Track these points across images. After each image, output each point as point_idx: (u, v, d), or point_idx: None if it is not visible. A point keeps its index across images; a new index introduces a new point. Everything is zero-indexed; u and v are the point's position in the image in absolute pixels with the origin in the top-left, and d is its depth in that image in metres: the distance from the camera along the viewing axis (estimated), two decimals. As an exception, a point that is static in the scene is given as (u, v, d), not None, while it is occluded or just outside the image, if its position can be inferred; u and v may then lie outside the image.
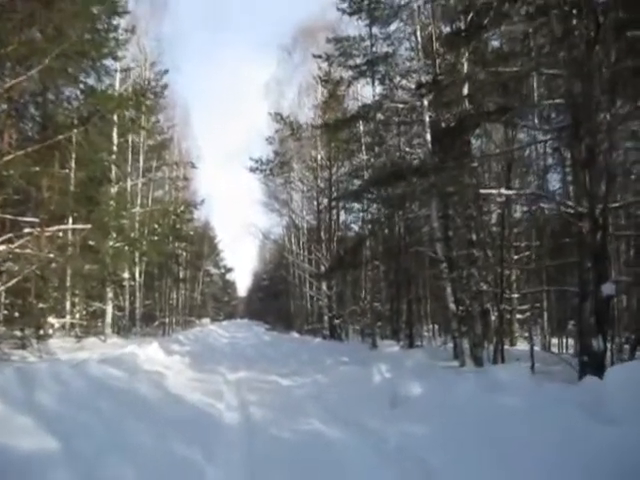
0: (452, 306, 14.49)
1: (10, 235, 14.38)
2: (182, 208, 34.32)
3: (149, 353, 13.23)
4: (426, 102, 15.03)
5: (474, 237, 14.26)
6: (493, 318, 18.45)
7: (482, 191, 11.96)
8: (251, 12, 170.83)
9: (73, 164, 17.90)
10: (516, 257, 19.72)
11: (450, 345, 22.25)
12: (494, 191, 11.43)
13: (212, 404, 8.80)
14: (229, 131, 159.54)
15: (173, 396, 8.65)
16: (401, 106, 18.82)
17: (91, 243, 16.67)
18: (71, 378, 6.67)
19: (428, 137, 14.68)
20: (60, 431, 4.71)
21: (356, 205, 31.44)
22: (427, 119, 14.92)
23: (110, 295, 23.49)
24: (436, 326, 28.61)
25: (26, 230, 14.39)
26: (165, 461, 5.19)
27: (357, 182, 26.14)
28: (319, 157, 31.50)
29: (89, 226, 15.35)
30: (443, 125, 14.27)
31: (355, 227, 33.74)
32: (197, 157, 40.16)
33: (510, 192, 11.63)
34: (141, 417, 6.30)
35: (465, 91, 14.00)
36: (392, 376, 10.15)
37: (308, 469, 5.38)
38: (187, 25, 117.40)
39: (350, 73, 21.16)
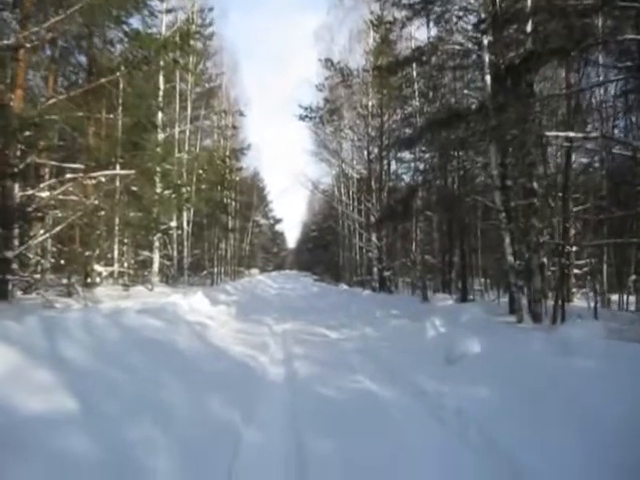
0: (510, 259, 13.67)
1: (53, 181, 14.10)
2: (227, 153, 33.82)
3: (193, 303, 12.86)
4: (486, 41, 13.98)
5: (535, 186, 13.37)
6: (549, 273, 17.65)
7: (548, 133, 11.10)
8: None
9: (120, 110, 17.53)
10: (577, 208, 18.72)
11: (504, 300, 21.56)
12: (561, 133, 10.57)
13: (255, 357, 8.34)
14: (278, 80, 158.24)
15: (215, 349, 8.18)
16: (458, 48, 17.72)
17: (136, 190, 16.26)
18: (104, 329, 6.22)
19: (488, 79, 13.66)
20: (83, 389, 4.23)
21: (407, 155, 30.70)
22: (487, 60, 13.89)
23: (157, 244, 23.30)
24: (487, 280, 27.76)
25: (68, 176, 14.05)
26: (199, 423, 4.70)
27: (409, 131, 25.18)
28: (370, 104, 30.54)
29: (133, 172, 14.94)
30: (505, 65, 13.22)
31: (406, 177, 33.11)
32: (245, 105, 39.70)
33: (579, 134, 10.71)
34: (178, 373, 5.81)
35: (528, 28, 13.00)
36: (447, 331, 9.55)
37: (359, 436, 4.83)
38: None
39: (404, 13, 20.00)
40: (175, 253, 27.50)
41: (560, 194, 13.56)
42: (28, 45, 13.80)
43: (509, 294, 16.89)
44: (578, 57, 11.36)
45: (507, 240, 13.68)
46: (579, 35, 11.16)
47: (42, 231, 14.91)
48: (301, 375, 7.41)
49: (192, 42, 17.06)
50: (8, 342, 4.37)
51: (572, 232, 17.95)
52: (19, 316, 5.62)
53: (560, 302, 13.21)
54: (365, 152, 32.71)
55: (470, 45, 17.99)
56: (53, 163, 15.39)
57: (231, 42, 55.65)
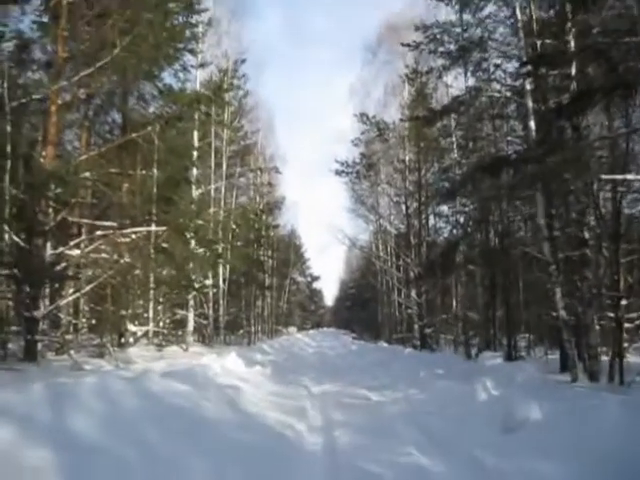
0: (562, 313, 12.78)
1: (83, 238, 13.76)
2: (261, 207, 33.55)
3: (226, 364, 12.20)
4: (528, 86, 13.43)
5: (587, 235, 12.58)
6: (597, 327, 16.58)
7: (604, 176, 10.32)
8: (334, 20, 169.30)
9: (155, 167, 17.32)
10: (626, 259, 17.74)
11: (552, 357, 20.43)
12: (618, 176, 9.79)
13: (292, 425, 7.58)
14: (314, 137, 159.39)
15: (246, 416, 7.45)
16: (497, 95, 17.21)
17: (167, 247, 15.85)
18: (121, 396, 5.60)
19: (532, 125, 13.06)
20: (84, 472, 3.58)
21: (446, 209, 30.09)
22: (530, 105, 13.32)
23: (192, 302, 22.79)
24: (530, 336, 26.52)
25: (99, 233, 13.69)
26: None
27: (447, 184, 24.61)
28: (407, 158, 30.20)
29: (165, 228, 14.56)
30: (551, 108, 12.61)
31: (445, 232, 32.44)
32: (281, 163, 39.69)
33: (638, 177, 9.96)
34: (201, 449, 5.13)
35: (573, 71, 12.44)
36: (500, 394, 8.71)
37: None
38: (268, 36, 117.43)
39: (440, 62, 19.70)
40: (211, 312, 26.95)
41: (608, 244, 12.65)
42: (60, 102, 13.68)
43: (560, 351, 15.89)
44: (625, 99, 10.66)
45: (558, 294, 12.82)
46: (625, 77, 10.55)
47: (71, 290, 14.52)
48: (342, 446, 6.64)
49: (226, 96, 16.82)
50: (3, 415, 3.76)
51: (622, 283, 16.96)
52: (35, 380, 5.05)
53: (619, 359, 12.24)
54: (403, 207, 32.31)
55: (509, 94, 17.46)
56: (85, 221, 15.11)
57: (266, 99, 55.94)
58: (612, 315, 13.76)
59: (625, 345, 21.01)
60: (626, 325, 20.81)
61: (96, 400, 5.07)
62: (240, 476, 4.81)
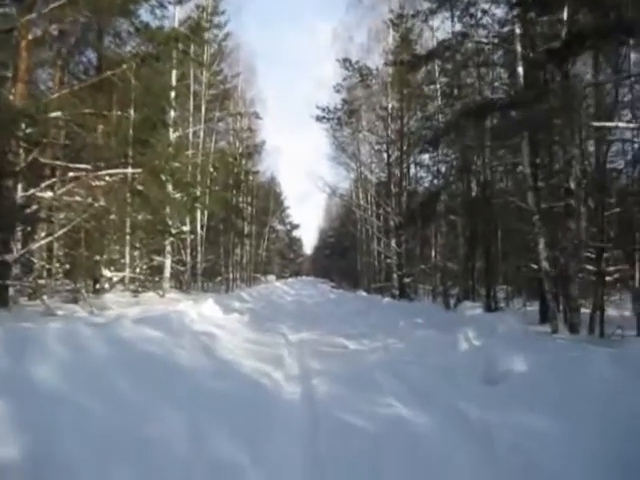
0: (545, 264, 12.64)
1: (54, 180, 13.27)
2: (241, 151, 32.93)
3: (203, 311, 11.91)
4: (518, 30, 12.99)
5: (572, 185, 12.35)
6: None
7: (595, 124, 10.04)
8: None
9: (132, 108, 16.72)
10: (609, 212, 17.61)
11: (530, 308, 20.47)
12: (609, 123, 9.50)
13: (268, 373, 7.34)
14: (295, 84, 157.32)
15: (222, 364, 7.18)
16: (485, 41, 16.76)
17: (143, 190, 15.34)
18: (90, 342, 5.30)
19: (520, 71, 12.67)
20: (40, 424, 3.31)
21: (427, 159, 29.88)
22: (519, 50, 12.90)
23: (169, 249, 22.43)
24: (509, 287, 26.52)
25: (71, 174, 13.22)
26: (192, 468, 3.75)
27: (430, 132, 24.21)
28: (389, 106, 29.68)
29: (139, 170, 14.07)
30: (541, 52, 12.21)
31: (426, 182, 32.25)
32: (262, 108, 38.92)
33: (630, 125, 9.67)
34: (173, 398, 4.86)
35: (564, 16, 12.00)
36: (482, 344, 8.55)
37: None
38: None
39: (427, 5, 19.10)
40: (189, 258, 26.65)
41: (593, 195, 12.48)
42: (30, 37, 13.06)
43: (540, 302, 15.86)
44: (618, 45, 10.33)
45: (541, 244, 12.66)
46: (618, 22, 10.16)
47: (44, 234, 14.09)
48: (320, 395, 6.43)
49: (205, 35, 16.15)
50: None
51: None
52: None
53: (600, 311, 12.19)
54: (385, 155, 31.97)
55: (496, 40, 17.03)
56: (58, 162, 14.59)
57: (247, 42, 54.43)
58: (593, 268, 13.70)
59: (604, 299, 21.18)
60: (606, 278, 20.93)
61: (61, 347, 4.76)
62: (214, 426, 4.56)
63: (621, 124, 9.46)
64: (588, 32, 9.57)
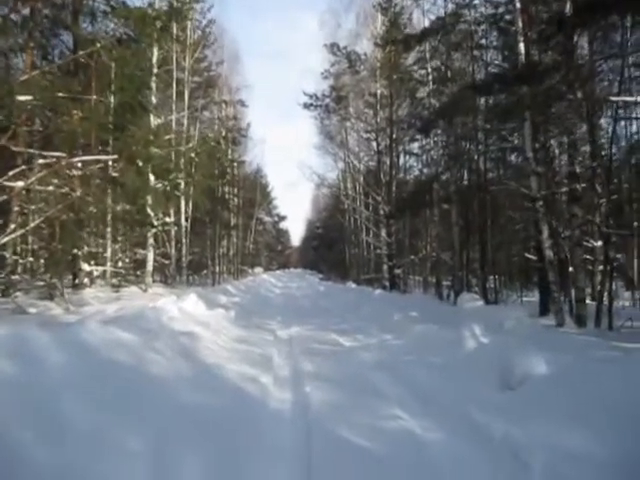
0: (549, 253, 11.89)
1: (22, 168, 12.31)
2: (224, 134, 31.96)
3: (185, 306, 11.06)
4: (519, 4, 12.18)
5: (577, 169, 11.60)
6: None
7: (614, 98, 9.24)
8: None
9: (109, 93, 15.75)
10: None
11: (526, 299, 19.80)
12: (628, 98, 8.72)
13: (255, 378, 6.51)
14: (281, 75, 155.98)
15: (203, 369, 6.32)
16: (481, 19, 15.96)
17: (120, 178, 14.40)
18: (43, 353, 4.44)
19: (521, 47, 11.87)
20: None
21: (416, 148, 29.24)
22: (520, 25, 12.10)
23: (152, 241, 21.50)
24: (501, 278, 25.75)
25: (41, 161, 12.28)
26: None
27: (422, 118, 23.44)
28: (378, 92, 28.82)
29: (115, 157, 13.16)
30: (549, 22, 11.41)
31: (415, 171, 31.65)
32: (248, 96, 38.09)
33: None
34: (139, 415, 4.04)
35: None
36: (490, 341, 7.73)
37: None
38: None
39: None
40: (173, 251, 25.75)
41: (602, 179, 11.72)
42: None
43: (540, 293, 15.13)
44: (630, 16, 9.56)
45: (545, 232, 11.92)
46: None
47: (12, 226, 13.17)
48: (315, 406, 5.58)
49: (188, 14, 15.22)
50: None
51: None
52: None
53: (609, 303, 11.44)
54: (374, 143, 31.18)
55: (492, 19, 16.29)
56: (29, 150, 13.62)
57: (231, 30, 53.12)
58: (600, 257, 13.01)
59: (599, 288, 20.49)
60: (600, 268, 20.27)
61: (4, 361, 3.94)
62: (187, 454, 3.74)
63: (640, 98, 8.73)
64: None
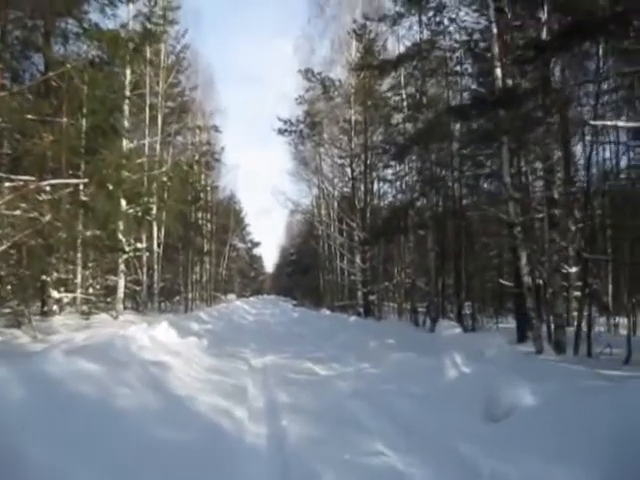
0: (527, 279, 11.78)
1: (-15, 192, 11.91)
2: (197, 158, 31.72)
3: (156, 335, 10.70)
4: (495, 29, 12.18)
5: (555, 195, 11.52)
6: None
7: (593, 122, 9.19)
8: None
9: (80, 116, 15.42)
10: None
11: (503, 326, 19.64)
12: (609, 122, 8.66)
13: (229, 412, 6.21)
14: (255, 102, 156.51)
15: (173, 402, 6.00)
16: (456, 45, 16.01)
17: (90, 202, 14.03)
18: (1, 386, 4.14)
19: (498, 72, 11.84)
20: None
21: (389, 175, 29.30)
22: (496, 51, 12.08)
23: (123, 267, 21.03)
24: (476, 304, 25.63)
25: (7, 184, 11.92)
26: None
27: (397, 143, 23.44)
28: (353, 119, 28.81)
29: (85, 180, 12.83)
30: (526, 47, 11.37)
31: (389, 197, 31.61)
32: (222, 121, 38.04)
33: (631, 124, 8.85)
34: (99, 458, 3.72)
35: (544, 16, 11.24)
36: (472, 370, 7.51)
37: None
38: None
39: (396, 9, 18.25)
40: (145, 277, 25.28)
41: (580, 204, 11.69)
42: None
43: (517, 320, 15.00)
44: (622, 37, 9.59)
45: (524, 259, 11.83)
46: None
47: (-22, 251, 12.71)
48: (292, 441, 5.27)
49: (158, 29, 14.93)
50: None
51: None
52: None
53: (588, 328, 11.32)
54: (348, 169, 31.12)
55: (470, 45, 16.39)
56: None
57: (205, 54, 53.15)
58: (576, 283, 12.96)
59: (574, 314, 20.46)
60: (576, 294, 20.26)
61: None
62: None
63: (620, 123, 8.67)
64: (582, 25, 8.69)
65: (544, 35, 11.02)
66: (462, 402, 6.27)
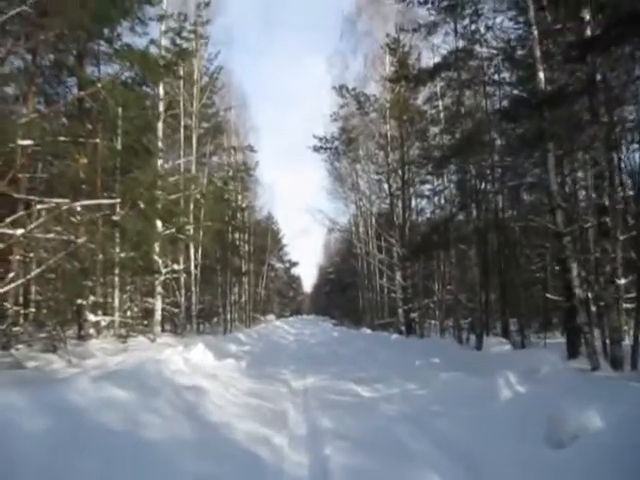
0: (579, 291, 11.15)
1: (21, 214, 11.73)
2: (230, 173, 31.59)
3: (192, 357, 10.35)
4: (536, 32, 11.67)
5: (606, 202, 10.90)
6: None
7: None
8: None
9: (115, 137, 15.28)
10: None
11: (550, 341, 18.85)
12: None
13: (268, 439, 5.78)
14: (290, 121, 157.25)
15: (208, 430, 5.58)
16: (494, 52, 15.49)
17: (123, 223, 13.80)
18: (19, 419, 3.77)
19: (541, 75, 11.32)
20: None
21: (426, 190, 28.87)
22: (538, 53, 11.56)
23: (159, 289, 20.83)
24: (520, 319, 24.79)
25: (39, 207, 11.74)
26: None
27: (435, 155, 22.96)
28: (389, 133, 28.38)
29: (118, 200, 12.60)
30: (575, 45, 10.81)
31: (427, 213, 31.11)
32: (256, 142, 38.03)
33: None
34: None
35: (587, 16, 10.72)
36: (528, 391, 6.97)
37: None
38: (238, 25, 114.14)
39: (431, 18, 17.80)
40: (183, 299, 25.05)
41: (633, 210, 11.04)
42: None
43: (567, 335, 14.30)
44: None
45: (574, 270, 11.19)
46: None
47: (12, 275, 12.53)
48: (336, 473, 4.78)
49: (189, 46, 14.78)
50: None
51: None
52: None
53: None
54: (385, 185, 30.71)
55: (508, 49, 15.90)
56: (29, 197, 13.08)
57: (239, 76, 53.32)
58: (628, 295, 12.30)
59: (625, 328, 19.55)
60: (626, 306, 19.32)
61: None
62: None
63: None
64: (634, 17, 8.10)
65: (588, 33, 10.53)
66: (520, 426, 5.75)
